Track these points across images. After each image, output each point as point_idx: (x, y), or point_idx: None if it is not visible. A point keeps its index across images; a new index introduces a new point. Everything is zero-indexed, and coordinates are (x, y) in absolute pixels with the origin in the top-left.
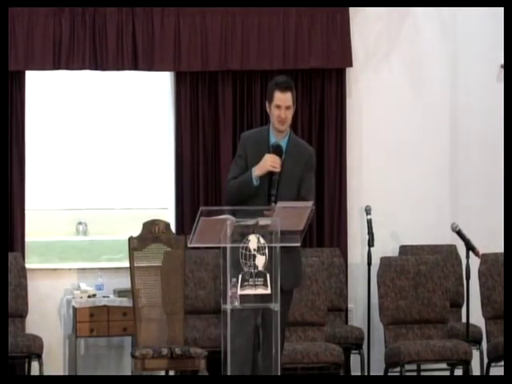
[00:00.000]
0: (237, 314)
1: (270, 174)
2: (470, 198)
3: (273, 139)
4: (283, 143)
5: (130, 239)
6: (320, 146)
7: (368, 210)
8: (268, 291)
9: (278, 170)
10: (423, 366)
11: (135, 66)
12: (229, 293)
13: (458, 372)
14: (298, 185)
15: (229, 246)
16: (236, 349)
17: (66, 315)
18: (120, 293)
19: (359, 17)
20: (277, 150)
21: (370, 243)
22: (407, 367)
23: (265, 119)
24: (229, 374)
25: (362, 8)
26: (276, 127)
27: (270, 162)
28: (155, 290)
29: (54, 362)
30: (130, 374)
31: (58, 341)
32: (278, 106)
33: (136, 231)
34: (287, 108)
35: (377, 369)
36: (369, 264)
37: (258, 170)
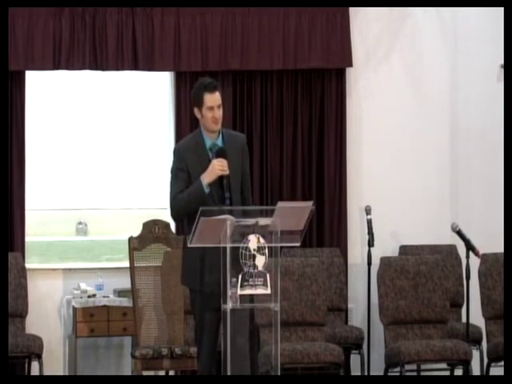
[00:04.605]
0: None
1: (220, 178)
2: (470, 197)
3: (208, 142)
4: (219, 142)
5: (130, 239)
6: (320, 145)
7: (368, 210)
8: (268, 291)
9: (227, 172)
10: (423, 366)
11: (135, 65)
12: (229, 293)
13: (458, 372)
14: (241, 176)
15: (229, 245)
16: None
17: (66, 315)
18: (120, 293)
19: (359, 17)
20: (221, 153)
21: (370, 243)
22: (407, 367)
23: (265, 119)
24: (229, 373)
25: (361, 8)
26: (211, 129)
27: (218, 167)
28: (155, 290)
29: (54, 362)
30: (130, 373)
31: (57, 341)
32: (211, 108)
33: (136, 231)
34: (218, 107)
35: (377, 369)
36: (369, 264)
37: (207, 178)
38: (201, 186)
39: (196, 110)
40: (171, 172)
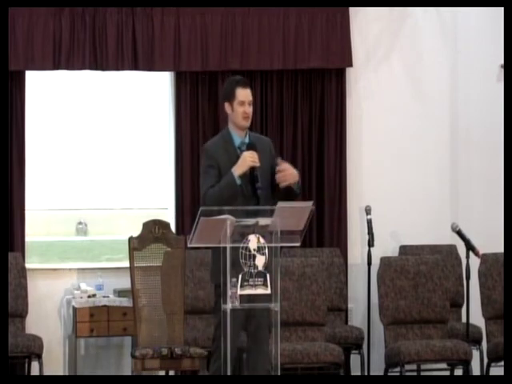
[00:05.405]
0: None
1: (251, 170)
2: (470, 197)
3: (237, 140)
4: (247, 140)
5: (130, 239)
6: (320, 145)
7: (368, 210)
8: (268, 291)
9: (258, 164)
10: (423, 366)
11: (135, 65)
12: (229, 293)
13: (458, 372)
14: (272, 173)
15: (229, 245)
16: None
17: (66, 315)
18: (120, 293)
19: (359, 17)
20: (251, 147)
21: (370, 243)
22: (407, 367)
23: (264, 119)
24: (229, 373)
25: (361, 8)
26: (241, 124)
27: (249, 159)
28: (155, 290)
29: (54, 362)
30: (130, 373)
31: (57, 341)
32: (243, 103)
33: (136, 231)
34: (249, 104)
35: (377, 369)
36: (369, 264)
37: (238, 170)
38: (232, 177)
39: (226, 105)
40: (201, 171)
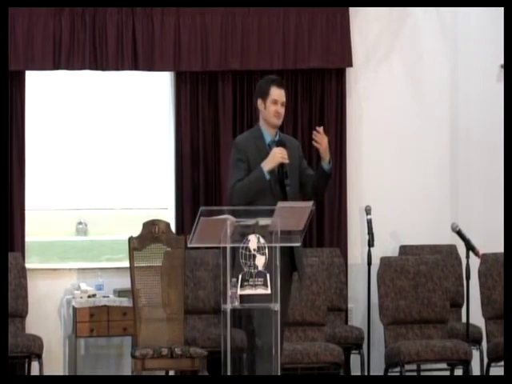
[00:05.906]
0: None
1: (280, 166)
2: (470, 197)
3: (267, 137)
4: (277, 139)
5: (130, 239)
6: None
7: (368, 210)
8: (268, 291)
9: (287, 161)
10: (423, 366)
11: (135, 65)
12: (229, 293)
13: (458, 372)
14: (300, 172)
15: (229, 245)
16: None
17: (66, 315)
18: (120, 293)
19: (359, 17)
20: (281, 144)
21: (370, 243)
22: (407, 367)
23: None
24: (229, 373)
25: (361, 8)
26: (272, 122)
27: (279, 155)
28: (155, 290)
29: (54, 362)
30: (130, 374)
31: (58, 341)
32: (275, 102)
33: (136, 231)
34: (282, 104)
35: (377, 369)
36: (369, 264)
37: (268, 165)
38: (262, 172)
39: (259, 102)
40: (230, 164)
